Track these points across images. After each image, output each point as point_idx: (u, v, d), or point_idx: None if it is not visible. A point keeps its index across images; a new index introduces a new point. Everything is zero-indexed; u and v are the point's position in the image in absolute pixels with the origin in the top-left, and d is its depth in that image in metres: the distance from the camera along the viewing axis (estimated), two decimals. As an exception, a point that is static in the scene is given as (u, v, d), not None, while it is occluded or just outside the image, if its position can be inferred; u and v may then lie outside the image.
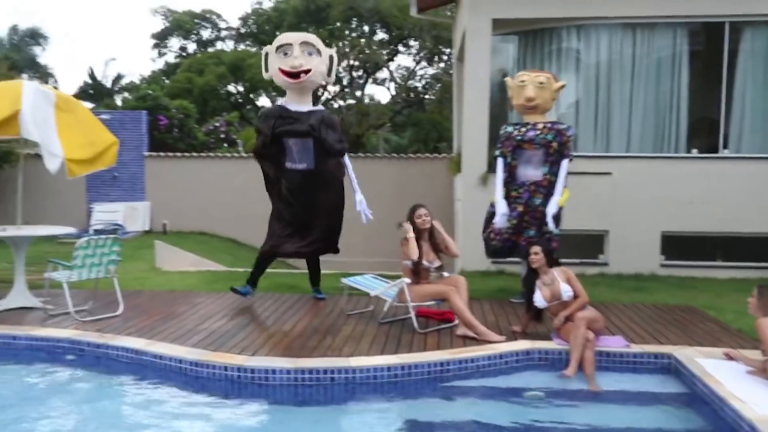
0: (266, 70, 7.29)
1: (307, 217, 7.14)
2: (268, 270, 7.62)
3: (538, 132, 7.12)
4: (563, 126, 7.18)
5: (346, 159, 7.35)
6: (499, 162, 7.40)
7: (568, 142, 7.08)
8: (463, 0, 10.43)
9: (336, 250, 7.51)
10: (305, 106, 7.21)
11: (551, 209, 6.98)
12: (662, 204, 9.42)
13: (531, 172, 7.20)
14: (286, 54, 7.04)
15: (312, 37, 7.31)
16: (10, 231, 7.04)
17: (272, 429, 4.59)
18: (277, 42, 7.20)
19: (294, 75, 7.01)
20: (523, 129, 7.22)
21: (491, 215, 7.43)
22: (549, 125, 7.15)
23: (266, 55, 7.27)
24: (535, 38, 9.88)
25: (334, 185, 7.23)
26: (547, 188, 7.10)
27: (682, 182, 9.41)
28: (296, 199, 7.10)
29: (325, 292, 7.73)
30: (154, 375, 5.34)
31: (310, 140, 6.98)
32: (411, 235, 6.23)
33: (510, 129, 7.35)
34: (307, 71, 7.01)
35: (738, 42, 9.45)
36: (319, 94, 30.69)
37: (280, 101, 7.40)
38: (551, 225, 6.98)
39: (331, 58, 7.25)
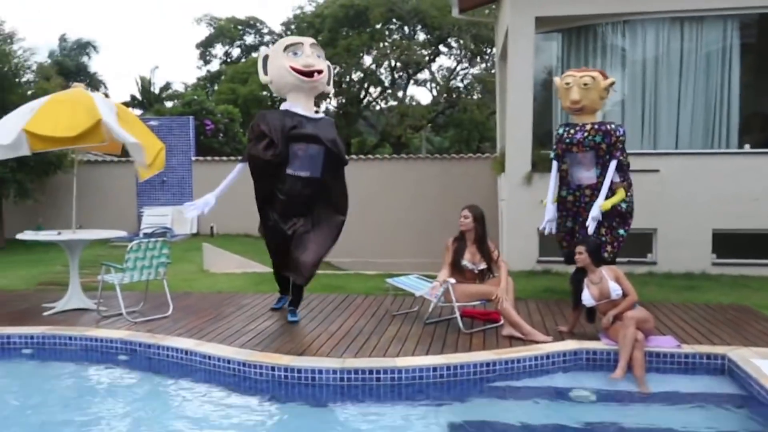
0: (265, 72, 6.74)
1: (304, 228, 6.57)
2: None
3: (586, 134, 6.92)
4: (612, 126, 6.91)
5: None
6: (554, 164, 7.27)
7: (618, 142, 6.84)
8: (505, -2, 10.36)
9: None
10: (311, 110, 6.74)
11: (594, 213, 6.76)
12: (713, 201, 9.20)
13: (584, 175, 7.01)
14: (296, 54, 6.58)
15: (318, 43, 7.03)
16: (66, 235, 7.24)
17: (319, 429, 4.61)
18: (285, 42, 6.73)
19: (308, 74, 6.54)
20: (572, 131, 7.03)
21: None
22: (597, 126, 6.91)
23: (265, 57, 6.76)
24: (579, 35, 9.74)
25: (335, 195, 6.77)
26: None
27: (734, 178, 9.17)
28: (295, 209, 6.54)
29: (370, 293, 7.71)
30: (203, 375, 5.43)
31: (320, 147, 6.49)
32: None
33: (561, 131, 7.21)
34: (320, 71, 6.63)
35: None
36: (362, 96, 30.91)
37: (284, 105, 6.73)
38: (591, 228, 6.76)
39: (329, 67, 6.91)
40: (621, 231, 6.93)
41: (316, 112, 6.84)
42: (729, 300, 7.47)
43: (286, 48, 6.62)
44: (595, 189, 6.94)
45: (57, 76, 14.51)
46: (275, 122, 6.42)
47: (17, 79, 13.21)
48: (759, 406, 4.56)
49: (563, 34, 9.87)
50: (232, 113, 19.18)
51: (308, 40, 6.77)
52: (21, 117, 6.68)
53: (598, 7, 9.34)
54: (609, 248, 6.89)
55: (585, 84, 6.90)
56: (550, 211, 7.17)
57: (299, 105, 6.60)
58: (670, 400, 4.85)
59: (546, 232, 7.24)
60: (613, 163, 6.84)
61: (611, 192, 6.86)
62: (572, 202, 7.16)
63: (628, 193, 6.99)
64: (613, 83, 7.02)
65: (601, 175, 6.89)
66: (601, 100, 7.02)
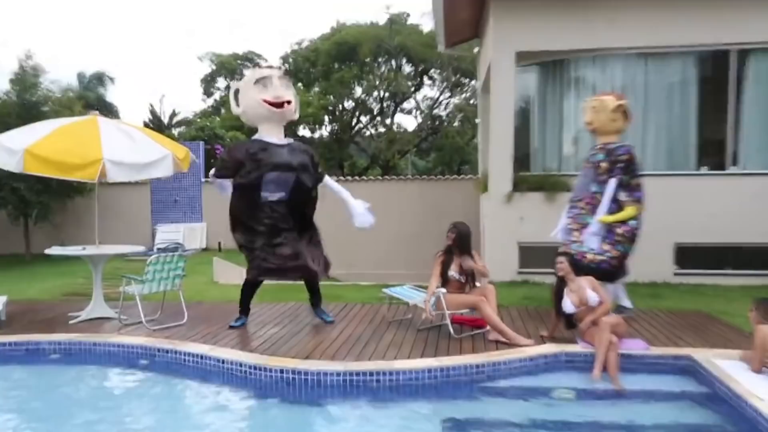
0: (237, 105, 6.75)
1: (289, 243, 6.58)
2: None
3: (594, 152, 6.87)
4: (614, 146, 6.69)
5: (328, 179, 7.02)
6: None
7: (617, 161, 6.60)
8: (488, 35, 10.48)
9: (324, 275, 6.88)
10: (281, 138, 6.68)
11: (591, 228, 6.62)
12: (675, 218, 9.29)
13: (583, 189, 6.89)
14: (265, 86, 6.50)
15: (286, 73, 6.95)
16: (90, 250, 7.23)
17: (323, 426, 4.62)
18: (256, 75, 6.68)
19: (278, 105, 6.51)
20: (591, 149, 6.98)
21: None
22: (603, 146, 6.77)
23: (236, 91, 6.77)
24: (554, 69, 9.88)
25: (309, 214, 6.84)
26: (595, 206, 6.69)
27: (694, 198, 9.28)
28: (278, 230, 6.53)
29: (367, 302, 7.70)
30: (217, 377, 5.42)
31: (291, 173, 6.47)
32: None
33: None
34: (289, 102, 6.58)
35: (743, 68, 9.36)
36: (353, 123, 31.04)
37: (257, 135, 6.70)
38: (588, 242, 6.61)
39: (295, 96, 6.79)
40: (593, 248, 6.62)
41: (286, 137, 6.82)
42: (689, 306, 7.53)
43: (256, 81, 6.58)
44: (589, 203, 6.76)
45: (81, 108, 14.48)
46: (245, 148, 6.50)
47: (43, 109, 13.18)
48: (720, 402, 4.62)
49: (540, 68, 10.01)
50: (240, 138, 19.24)
51: (277, 73, 6.70)
52: (28, 136, 6.71)
53: (570, 43, 9.47)
54: (615, 262, 6.64)
55: (593, 107, 6.83)
56: (561, 222, 7.07)
57: (272, 134, 6.60)
58: (642, 397, 4.89)
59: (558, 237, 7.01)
60: (612, 181, 6.61)
61: (618, 209, 6.65)
62: (570, 213, 7.01)
63: (638, 213, 6.69)
64: (620, 105, 6.74)
65: (598, 192, 6.70)
66: (612, 122, 6.76)
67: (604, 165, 6.67)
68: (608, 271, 6.55)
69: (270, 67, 6.93)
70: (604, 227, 6.59)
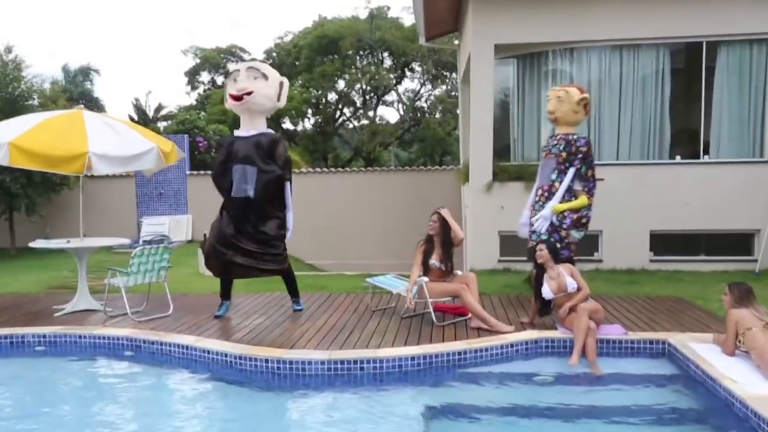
0: (225, 100, 6.72)
1: (246, 241, 6.49)
2: (297, 273, 7.56)
3: (555, 142, 6.92)
4: (574, 137, 6.78)
5: (287, 187, 6.57)
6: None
7: (577, 151, 6.69)
8: (467, 28, 10.43)
9: (281, 269, 6.72)
10: (250, 130, 6.55)
11: (544, 212, 6.73)
12: (650, 206, 9.34)
13: (545, 179, 6.95)
14: (235, 81, 6.49)
15: (259, 64, 6.70)
16: (74, 243, 7.10)
17: (308, 414, 4.58)
18: (230, 72, 6.73)
19: (238, 98, 6.43)
20: (550, 139, 7.07)
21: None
22: (563, 136, 6.83)
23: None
24: (532, 60, 9.85)
25: (272, 212, 6.53)
26: (551, 194, 6.81)
27: (668, 186, 9.33)
28: (240, 225, 6.47)
29: (351, 292, 7.67)
30: (202, 368, 5.36)
31: (250, 166, 6.35)
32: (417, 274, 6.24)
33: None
34: (250, 93, 6.39)
35: (714, 59, 9.39)
36: (337, 115, 30.88)
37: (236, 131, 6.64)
38: (537, 224, 6.74)
39: (281, 84, 6.60)
40: (575, 234, 6.81)
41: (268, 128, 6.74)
42: (666, 292, 7.59)
43: (228, 77, 6.64)
44: (546, 191, 6.87)
45: (65, 101, 14.22)
46: (222, 146, 6.68)
47: (27, 102, 12.92)
48: (695, 383, 4.67)
49: (518, 60, 9.97)
50: (223, 131, 19.00)
51: (245, 65, 6.61)
52: (13, 129, 6.55)
53: (548, 36, 9.45)
54: (572, 248, 6.80)
55: (558, 97, 6.85)
56: (524, 216, 7.17)
57: (243, 127, 6.60)
58: (619, 380, 4.92)
59: (519, 235, 7.18)
60: (571, 171, 6.71)
61: (572, 198, 6.76)
62: (534, 203, 7.10)
63: (589, 203, 6.79)
64: (583, 98, 6.81)
65: (557, 180, 6.80)
66: (574, 113, 6.82)
67: (563, 155, 6.76)
68: (568, 257, 6.65)
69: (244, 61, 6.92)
70: (555, 213, 6.72)
